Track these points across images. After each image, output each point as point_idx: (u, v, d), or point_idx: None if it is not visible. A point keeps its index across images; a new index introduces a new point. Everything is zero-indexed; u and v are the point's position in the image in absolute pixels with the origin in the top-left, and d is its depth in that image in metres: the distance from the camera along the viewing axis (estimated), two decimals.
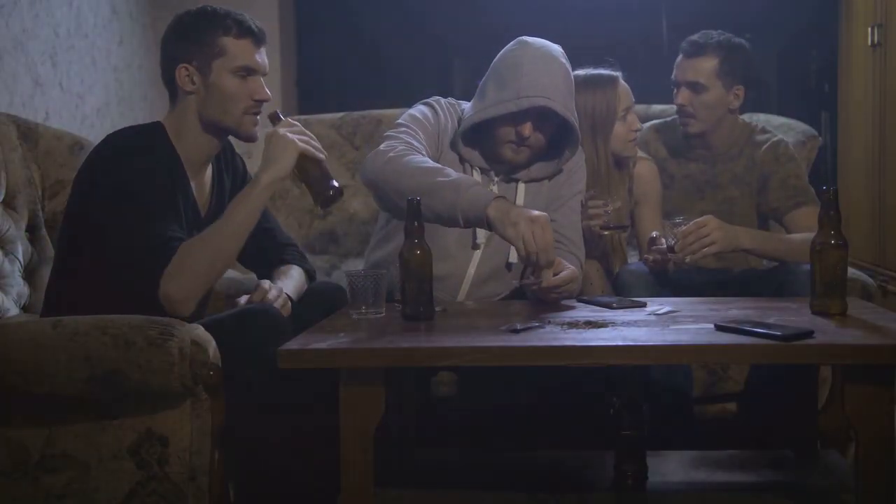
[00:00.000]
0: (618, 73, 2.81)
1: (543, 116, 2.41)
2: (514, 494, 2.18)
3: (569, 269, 2.29)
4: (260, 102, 2.29)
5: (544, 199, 2.54)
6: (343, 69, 4.81)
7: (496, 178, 2.53)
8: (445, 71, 5.47)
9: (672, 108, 3.10)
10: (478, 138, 2.49)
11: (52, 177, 2.59)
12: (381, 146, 2.36)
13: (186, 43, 2.25)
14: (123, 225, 2.16)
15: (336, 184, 2.26)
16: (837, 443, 2.50)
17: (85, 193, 2.24)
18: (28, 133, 2.58)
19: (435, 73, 5.34)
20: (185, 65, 2.25)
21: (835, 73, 4.16)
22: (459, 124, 2.51)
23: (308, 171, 2.26)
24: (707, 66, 2.83)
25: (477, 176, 2.50)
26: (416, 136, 2.42)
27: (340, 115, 3.40)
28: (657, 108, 3.28)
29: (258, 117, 2.32)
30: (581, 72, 2.76)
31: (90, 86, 3.48)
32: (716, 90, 2.84)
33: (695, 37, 2.87)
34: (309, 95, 4.74)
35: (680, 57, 2.89)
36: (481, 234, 2.49)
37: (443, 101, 2.57)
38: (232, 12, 2.27)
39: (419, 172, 2.27)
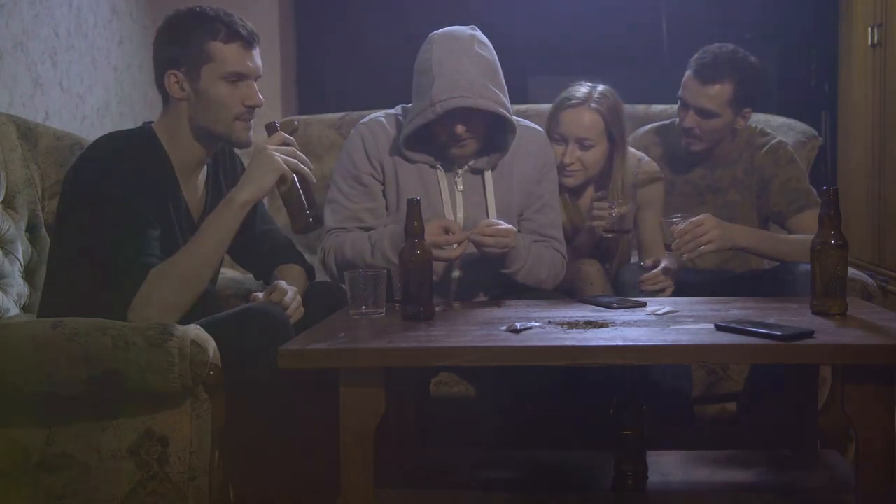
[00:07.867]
0: (581, 99, 2.69)
1: (468, 111, 2.40)
2: (514, 494, 2.18)
3: (504, 226, 2.39)
4: (252, 108, 2.23)
5: (516, 191, 2.57)
6: (343, 69, 4.80)
7: (460, 171, 2.55)
8: None
9: (672, 108, 3.09)
10: (430, 137, 2.50)
11: (52, 177, 2.58)
12: (325, 244, 2.53)
13: (175, 48, 2.20)
14: (98, 242, 2.12)
15: (312, 213, 2.20)
16: (837, 443, 2.50)
17: (67, 199, 2.21)
18: (28, 133, 2.58)
19: None
20: (174, 71, 2.20)
21: (835, 73, 4.16)
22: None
23: (288, 194, 2.20)
24: (721, 94, 2.75)
25: (441, 174, 2.53)
26: (346, 205, 2.53)
27: (340, 115, 3.40)
28: (657, 108, 3.27)
29: (251, 123, 2.26)
30: (573, 85, 2.75)
31: (90, 86, 3.47)
32: (726, 116, 2.79)
33: (707, 58, 2.76)
34: (309, 95, 4.73)
35: (690, 77, 2.79)
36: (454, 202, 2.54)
37: (373, 121, 2.57)
38: (222, 14, 2.20)
39: (355, 254, 2.46)
